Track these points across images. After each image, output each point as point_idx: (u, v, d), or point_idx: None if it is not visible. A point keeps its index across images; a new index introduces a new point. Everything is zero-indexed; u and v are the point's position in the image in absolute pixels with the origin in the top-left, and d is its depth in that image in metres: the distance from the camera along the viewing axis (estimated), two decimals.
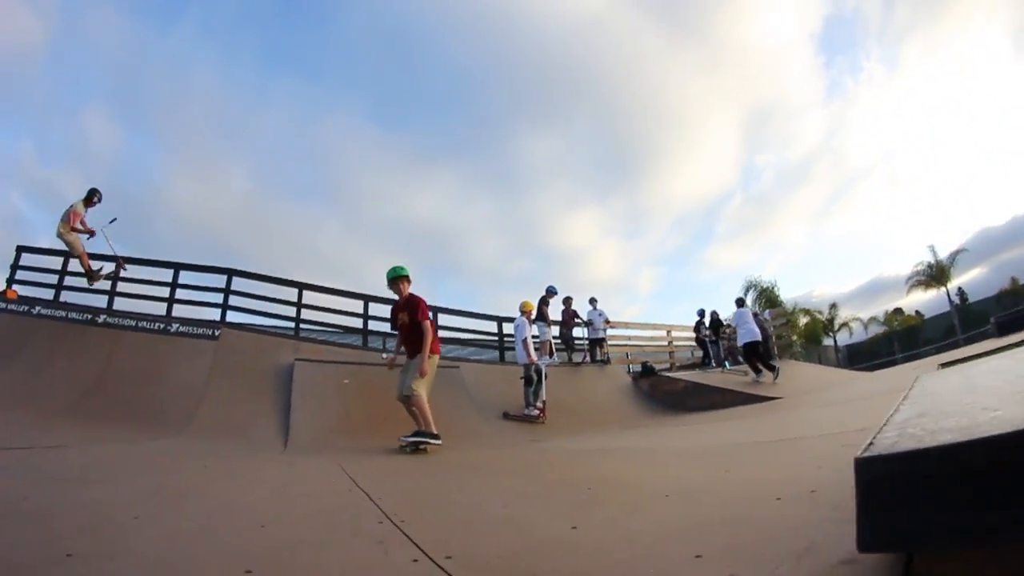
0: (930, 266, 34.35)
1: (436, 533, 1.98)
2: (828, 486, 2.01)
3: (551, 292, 12.57)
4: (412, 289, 6.05)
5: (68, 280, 9.33)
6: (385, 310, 11.20)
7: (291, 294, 10.40)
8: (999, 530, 0.87)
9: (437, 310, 11.73)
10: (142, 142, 69.90)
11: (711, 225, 75.47)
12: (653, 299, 72.26)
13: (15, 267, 9.25)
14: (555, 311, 13.13)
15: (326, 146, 72.37)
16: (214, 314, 9.67)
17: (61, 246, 8.54)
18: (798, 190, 70.27)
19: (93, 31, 59.16)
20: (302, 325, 10.31)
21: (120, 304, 9.31)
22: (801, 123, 70.03)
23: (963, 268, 35.09)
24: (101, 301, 9.22)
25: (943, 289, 33.98)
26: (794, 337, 30.60)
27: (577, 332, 13.92)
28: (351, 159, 74.01)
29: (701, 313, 16.06)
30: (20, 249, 9.47)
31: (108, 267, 9.08)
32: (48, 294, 9.11)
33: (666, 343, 17.22)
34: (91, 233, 8.49)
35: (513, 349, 10.73)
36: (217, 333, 8.26)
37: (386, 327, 11.11)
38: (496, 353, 12.99)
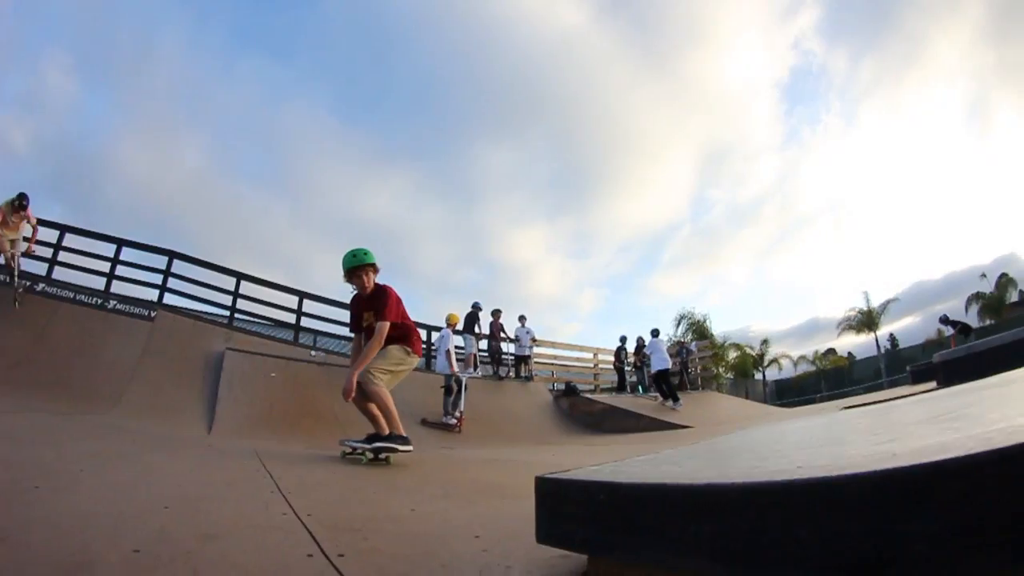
0: (861, 312, 36.86)
1: (333, 528, 2.21)
2: None
3: (477, 308, 13.37)
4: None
5: None
6: (319, 308, 11.53)
7: (229, 283, 10.57)
8: (613, 548, 1.16)
9: None
10: (100, 99, 67.69)
11: (657, 253, 77.83)
12: (593, 319, 73.78)
13: None
14: (485, 326, 13.79)
15: (285, 131, 71.26)
16: (152, 294, 9.78)
17: None
18: (746, 228, 73.23)
19: None
20: (236, 315, 10.46)
21: (59, 274, 9.28)
22: (756, 165, 73.21)
23: (896, 316, 37.96)
24: (41, 268, 9.16)
25: (873, 334, 36.44)
26: (719, 370, 32.10)
27: (506, 347, 14.58)
28: (308, 148, 73.04)
29: (623, 340, 16.97)
30: None
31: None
32: None
33: (592, 365, 18.05)
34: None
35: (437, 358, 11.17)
36: (153, 315, 8.44)
37: (317, 324, 11.47)
38: (423, 360, 13.30)
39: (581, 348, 17.90)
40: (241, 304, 10.55)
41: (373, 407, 4.65)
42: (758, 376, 40.04)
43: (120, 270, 9.78)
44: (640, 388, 16.38)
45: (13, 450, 3.21)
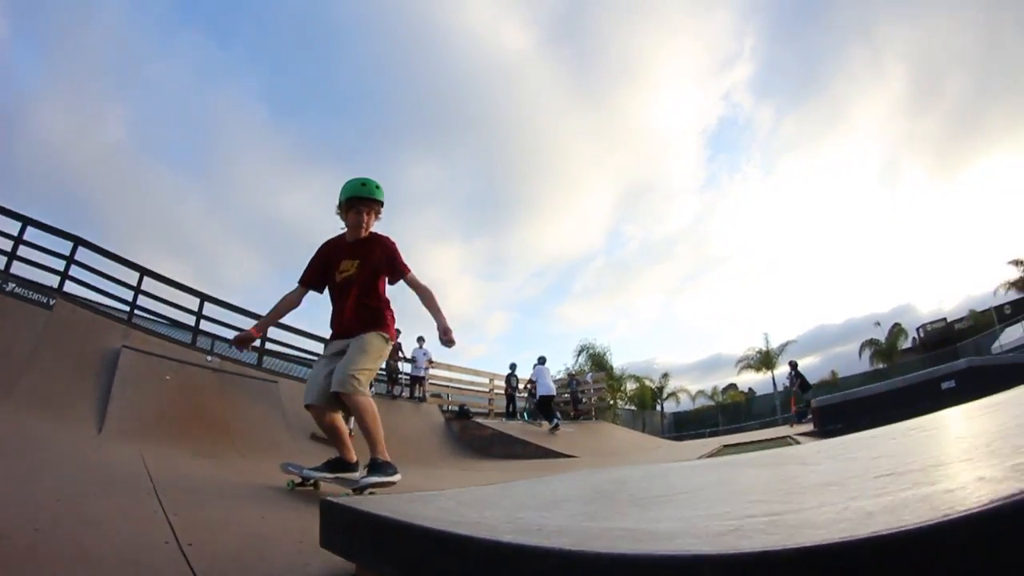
0: (760, 352, 39.83)
1: (192, 522, 2.53)
2: None
3: None
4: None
5: None
6: (219, 313, 11.45)
7: (131, 276, 10.42)
8: (355, 556, 1.56)
9: None
10: (24, 47, 62.78)
11: (569, 281, 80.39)
12: (500, 342, 75.04)
13: None
14: None
15: (211, 116, 68.76)
16: (52, 280, 9.48)
17: None
18: (658, 264, 77.39)
19: None
20: (136, 311, 10.34)
21: None
22: (674, 204, 77.62)
23: (796, 355, 40.86)
24: None
25: (771, 373, 39.73)
26: (615, 400, 33.65)
27: (403, 367, 15.09)
28: (232, 136, 70.77)
29: (512, 367, 17.83)
30: None
31: None
32: None
33: (487, 390, 18.74)
34: None
35: None
36: (52, 303, 8.26)
37: (217, 329, 11.42)
38: None
39: (476, 372, 18.59)
40: (142, 301, 10.44)
41: (340, 424, 3.89)
42: (658, 408, 42.29)
43: (22, 250, 9.39)
44: (526, 415, 17.23)
45: None
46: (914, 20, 58.63)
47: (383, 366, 14.36)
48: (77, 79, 60.84)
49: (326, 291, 4.03)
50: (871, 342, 40.24)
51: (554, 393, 15.78)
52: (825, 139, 73.12)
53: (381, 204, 3.80)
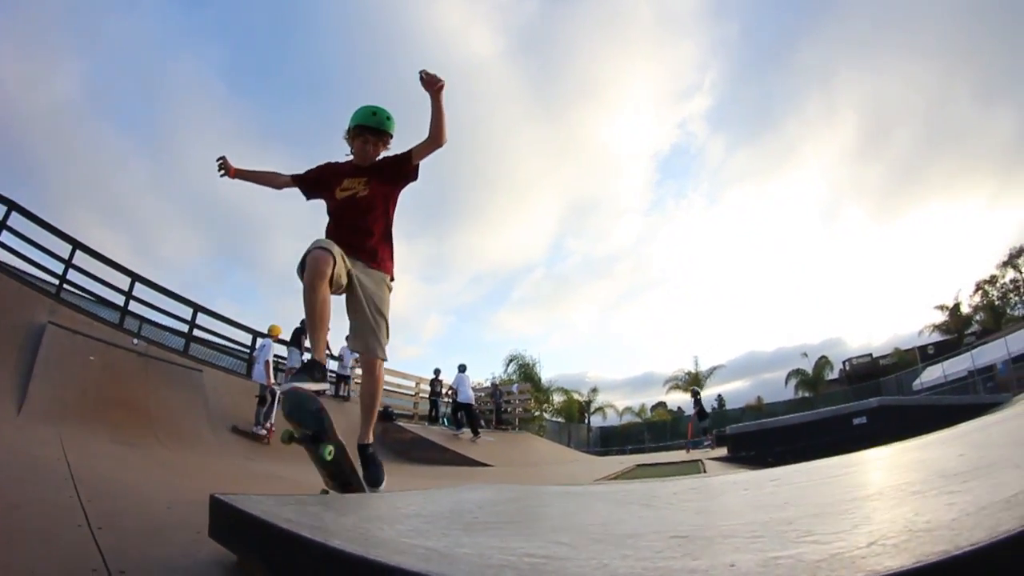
0: (688, 374, 41.26)
1: (104, 509, 2.58)
2: None
3: (305, 324, 13.91)
4: None
5: None
6: (150, 295, 11.19)
7: (63, 249, 10.04)
8: (245, 556, 1.72)
9: (198, 308, 12.13)
10: None
11: (508, 290, 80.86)
12: (434, 345, 74.51)
13: None
14: None
15: (169, 82, 65.65)
16: None
17: None
18: (597, 280, 78.57)
19: None
20: (64, 286, 9.92)
21: None
22: (618, 223, 79.06)
23: (727, 379, 43.30)
24: None
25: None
26: (541, 412, 34.20)
27: (330, 365, 15.13)
28: (187, 107, 67.62)
29: (436, 372, 18.11)
30: None
31: None
32: None
33: (414, 393, 18.84)
34: None
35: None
36: None
37: (146, 312, 11.18)
38: (241, 365, 13.38)
39: (403, 375, 18.69)
40: (72, 275, 10.07)
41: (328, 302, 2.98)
42: (586, 422, 43.18)
43: None
44: (446, 421, 17.51)
45: None
46: (872, 73, 62.13)
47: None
48: (34, 24, 57.33)
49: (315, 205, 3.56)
50: (798, 372, 42.41)
51: (473, 402, 16.19)
52: (772, 175, 76.42)
53: (390, 136, 3.44)
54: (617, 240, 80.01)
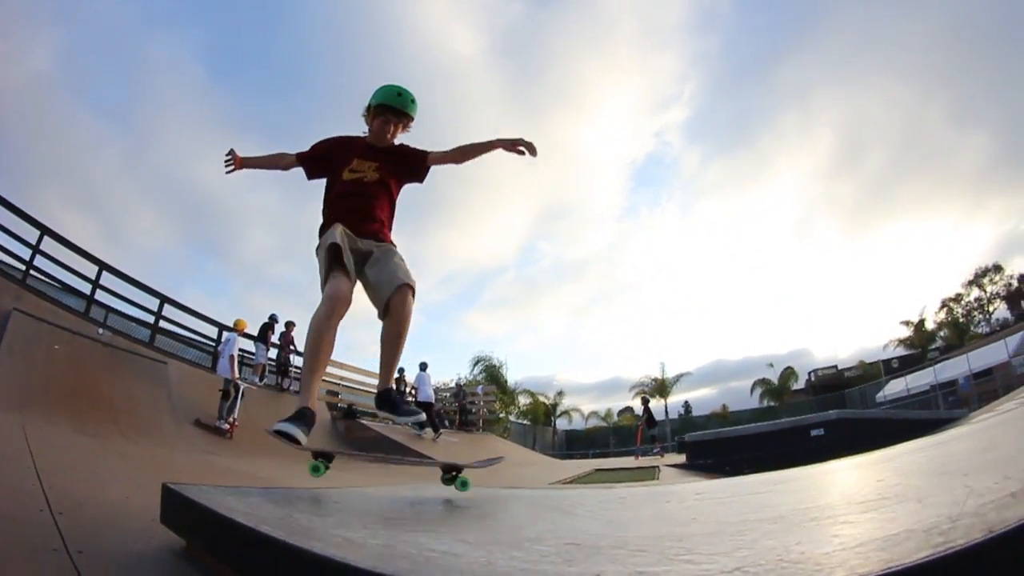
0: (655, 380, 41.86)
1: (65, 496, 2.66)
2: None
3: (273, 319, 14.09)
4: None
5: None
6: (118, 284, 11.15)
7: (32, 234, 9.95)
8: (192, 542, 1.87)
9: (164, 299, 12.15)
10: None
11: (478, 290, 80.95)
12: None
13: None
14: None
15: (147, 62, 63.92)
16: None
17: None
18: (568, 284, 79.11)
19: None
20: (31, 271, 9.85)
21: None
22: (591, 228, 79.66)
23: (694, 385, 44.04)
24: None
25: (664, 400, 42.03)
26: (502, 414, 34.37)
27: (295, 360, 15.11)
28: (164, 90, 65.98)
29: (400, 371, 18.22)
30: None
31: None
32: None
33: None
34: None
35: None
36: None
37: (113, 301, 11.14)
38: (206, 358, 13.31)
39: (367, 373, 18.70)
40: (38, 261, 10.00)
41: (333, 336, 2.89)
42: (552, 425, 43.49)
43: None
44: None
45: None
46: (850, 93, 63.76)
47: (274, 357, 14.52)
48: None
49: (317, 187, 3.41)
50: (763, 381, 43.40)
51: (433, 401, 16.28)
52: (746, 188, 77.77)
53: (412, 120, 3.32)
54: (589, 245, 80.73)
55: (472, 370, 38.10)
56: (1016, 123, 52.57)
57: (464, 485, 3.05)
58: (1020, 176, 55.33)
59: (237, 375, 10.47)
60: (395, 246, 3.20)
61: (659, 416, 42.37)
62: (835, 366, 46.42)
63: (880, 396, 31.99)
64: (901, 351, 41.80)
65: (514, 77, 76.84)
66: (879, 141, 62.93)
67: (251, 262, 72.10)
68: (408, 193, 3.45)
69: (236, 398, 10.03)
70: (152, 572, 1.80)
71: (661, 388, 41.90)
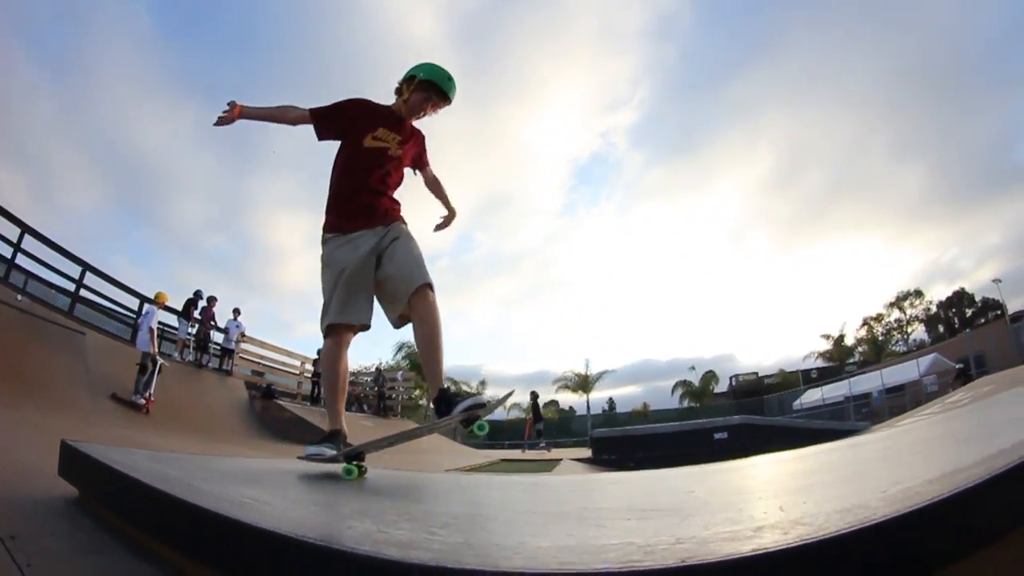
0: (578, 375, 43.03)
1: None
2: None
3: (198, 295, 14.29)
4: None
5: None
6: (40, 250, 10.89)
7: None
8: (82, 489, 2.15)
9: (87, 267, 11.87)
10: None
11: None
12: None
13: None
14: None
15: (92, 9, 60.09)
16: None
17: None
18: (501, 275, 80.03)
19: None
20: None
21: None
22: (529, 222, 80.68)
23: (621, 383, 44.92)
24: None
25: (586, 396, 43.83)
26: (423, 401, 34.72)
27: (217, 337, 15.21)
28: (108, 41, 62.38)
29: (319, 352, 18.44)
30: None
31: None
32: None
33: (298, 372, 18.95)
34: None
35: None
36: None
37: (36, 268, 10.86)
38: (125, 330, 13.04)
39: (289, 353, 18.82)
40: None
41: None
42: None
43: None
44: (324, 402, 17.81)
45: None
46: (797, 114, 66.87)
47: (192, 332, 14.50)
48: None
49: (332, 154, 3.22)
50: (684, 383, 45.50)
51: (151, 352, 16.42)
52: (686, 194, 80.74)
53: (447, 106, 3.22)
54: (525, 238, 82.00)
55: (395, 355, 38.20)
56: (951, 164, 56.62)
57: (350, 473, 2.92)
58: (949, 212, 60.32)
59: (156, 349, 10.43)
60: (406, 224, 3.14)
61: (580, 411, 43.89)
62: (755, 373, 49.44)
63: (797, 404, 33.97)
64: (821, 363, 44.93)
65: (468, 62, 76.75)
66: (820, 163, 66.90)
67: (183, 229, 69.67)
68: None
69: (153, 372, 9.97)
70: (50, 518, 1.99)
71: (583, 383, 43.23)
